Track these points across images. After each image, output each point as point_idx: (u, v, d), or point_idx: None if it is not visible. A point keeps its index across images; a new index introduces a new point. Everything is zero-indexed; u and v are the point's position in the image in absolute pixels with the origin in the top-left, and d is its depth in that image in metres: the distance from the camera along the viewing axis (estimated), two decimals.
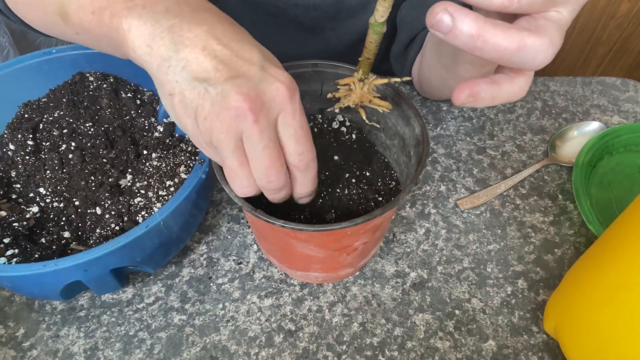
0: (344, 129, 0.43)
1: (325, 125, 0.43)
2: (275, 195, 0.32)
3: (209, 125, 0.28)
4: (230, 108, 0.27)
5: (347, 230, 0.33)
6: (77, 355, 0.41)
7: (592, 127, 0.58)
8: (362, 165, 0.41)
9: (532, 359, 0.41)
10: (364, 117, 0.35)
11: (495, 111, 0.61)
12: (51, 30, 0.38)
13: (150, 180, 0.43)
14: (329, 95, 0.38)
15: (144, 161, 0.45)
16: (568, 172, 0.55)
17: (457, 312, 0.44)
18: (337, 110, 0.40)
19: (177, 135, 0.48)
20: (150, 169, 0.44)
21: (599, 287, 0.34)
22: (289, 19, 0.58)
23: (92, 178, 0.43)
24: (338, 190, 0.39)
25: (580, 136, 0.57)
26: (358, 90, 0.33)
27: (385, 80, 0.33)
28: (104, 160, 0.44)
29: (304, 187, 0.33)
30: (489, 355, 0.41)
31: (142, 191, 0.42)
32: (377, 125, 0.40)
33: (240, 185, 0.31)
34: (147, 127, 0.48)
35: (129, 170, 0.44)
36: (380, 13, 0.27)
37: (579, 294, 0.37)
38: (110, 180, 0.43)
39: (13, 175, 0.44)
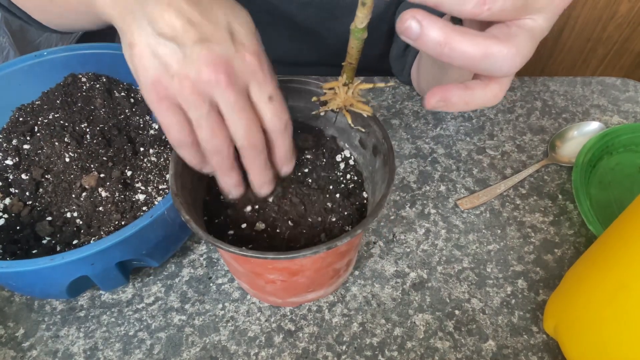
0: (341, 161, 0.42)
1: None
2: (255, 163, 0.32)
3: (178, 84, 0.28)
4: (201, 72, 0.27)
5: (300, 261, 0.33)
6: (76, 355, 0.41)
7: (592, 127, 0.58)
8: (335, 189, 0.40)
9: (532, 359, 0.41)
10: (349, 121, 0.35)
11: (495, 111, 0.61)
12: (41, 11, 0.39)
13: (150, 175, 0.43)
14: (314, 99, 0.37)
15: (142, 157, 0.45)
16: (568, 172, 0.55)
17: (456, 312, 0.44)
18: (322, 114, 0.40)
19: None
20: (149, 165, 0.44)
21: (599, 287, 0.34)
22: (283, 18, 0.58)
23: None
24: (310, 219, 0.37)
25: (580, 136, 0.57)
26: (342, 94, 0.33)
27: (370, 85, 0.33)
28: (104, 158, 0.44)
29: (283, 149, 0.33)
30: (488, 356, 0.41)
31: (143, 187, 0.43)
32: (363, 130, 0.39)
33: (215, 148, 0.30)
34: (142, 125, 0.48)
35: (127, 167, 0.44)
36: (360, 19, 0.28)
37: (579, 294, 0.37)
38: (110, 178, 0.43)
39: (11, 178, 0.44)
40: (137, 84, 0.29)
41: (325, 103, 0.34)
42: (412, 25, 0.23)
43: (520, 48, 0.24)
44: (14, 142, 0.45)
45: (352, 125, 0.36)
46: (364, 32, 0.29)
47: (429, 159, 0.55)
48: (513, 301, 0.44)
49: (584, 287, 0.36)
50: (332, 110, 0.35)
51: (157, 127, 0.48)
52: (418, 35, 0.23)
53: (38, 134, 0.45)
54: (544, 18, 0.25)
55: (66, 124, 0.46)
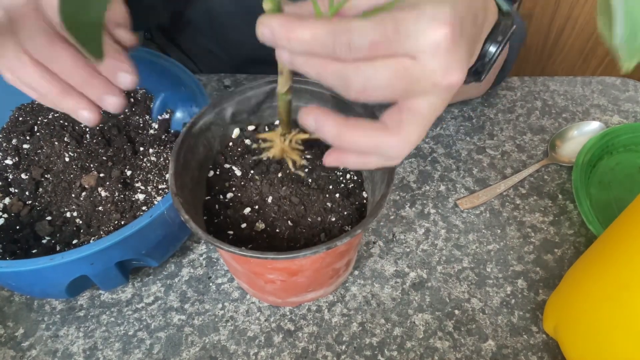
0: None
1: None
2: (56, 61, 0.33)
3: None
4: None
5: (298, 261, 0.33)
6: (76, 355, 0.41)
7: (592, 127, 0.58)
8: (334, 188, 0.39)
9: (532, 359, 0.41)
10: (291, 167, 0.35)
11: (495, 111, 0.61)
12: None
13: (149, 175, 0.43)
14: (254, 146, 0.39)
15: (141, 157, 0.45)
16: (568, 172, 0.54)
17: (456, 312, 0.44)
18: (264, 159, 0.40)
19: (172, 131, 0.48)
20: (149, 164, 0.44)
21: (599, 287, 0.34)
22: None
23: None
24: (309, 218, 0.37)
25: (580, 136, 0.57)
26: (279, 144, 0.34)
27: (306, 136, 0.34)
28: (104, 158, 0.44)
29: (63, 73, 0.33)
30: (488, 355, 0.41)
31: (142, 187, 0.43)
32: (301, 174, 0.39)
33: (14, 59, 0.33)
34: (141, 125, 0.48)
35: (127, 167, 0.44)
36: (280, 85, 0.30)
37: (579, 294, 0.37)
38: (109, 177, 0.43)
39: (10, 178, 0.44)
40: None
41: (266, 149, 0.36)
42: (309, 122, 0.27)
43: (408, 136, 0.26)
44: (14, 141, 0.45)
45: (294, 169, 0.37)
46: (287, 95, 0.31)
47: (429, 159, 0.55)
48: (513, 301, 0.44)
49: (583, 287, 0.36)
50: (269, 158, 0.37)
51: (156, 127, 0.48)
52: (315, 130, 0.27)
53: (38, 134, 0.45)
54: (435, 97, 0.26)
55: (66, 124, 0.46)
